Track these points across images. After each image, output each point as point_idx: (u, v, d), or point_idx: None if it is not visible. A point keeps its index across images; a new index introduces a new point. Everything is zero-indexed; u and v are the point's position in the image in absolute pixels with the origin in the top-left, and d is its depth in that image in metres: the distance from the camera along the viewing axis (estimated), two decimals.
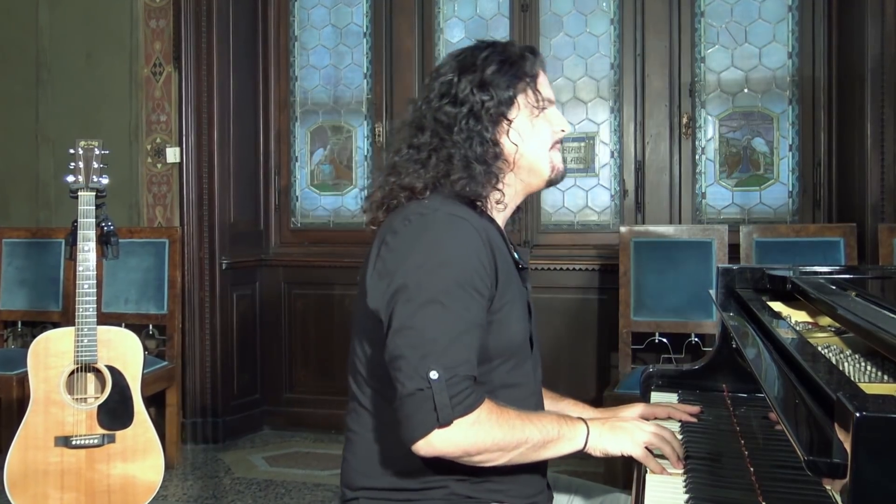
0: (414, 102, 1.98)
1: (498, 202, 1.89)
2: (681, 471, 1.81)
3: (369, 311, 1.77)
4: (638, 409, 2.15)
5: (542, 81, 1.94)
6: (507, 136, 1.88)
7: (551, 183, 1.97)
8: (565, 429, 1.79)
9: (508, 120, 1.88)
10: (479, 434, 1.68)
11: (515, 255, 1.95)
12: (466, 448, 1.68)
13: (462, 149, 1.83)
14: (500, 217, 1.94)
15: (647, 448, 1.83)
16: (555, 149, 1.95)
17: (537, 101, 1.91)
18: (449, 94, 1.88)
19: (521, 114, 1.90)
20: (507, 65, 1.89)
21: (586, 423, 1.83)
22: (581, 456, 1.83)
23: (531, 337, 1.93)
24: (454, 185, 1.82)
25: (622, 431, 1.85)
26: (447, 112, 1.86)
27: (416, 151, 1.88)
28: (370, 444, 1.86)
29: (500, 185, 1.88)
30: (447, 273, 1.70)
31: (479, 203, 1.86)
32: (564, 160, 2.01)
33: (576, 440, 1.80)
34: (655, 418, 2.09)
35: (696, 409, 2.16)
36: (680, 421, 2.12)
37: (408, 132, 1.93)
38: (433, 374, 1.63)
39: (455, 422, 1.64)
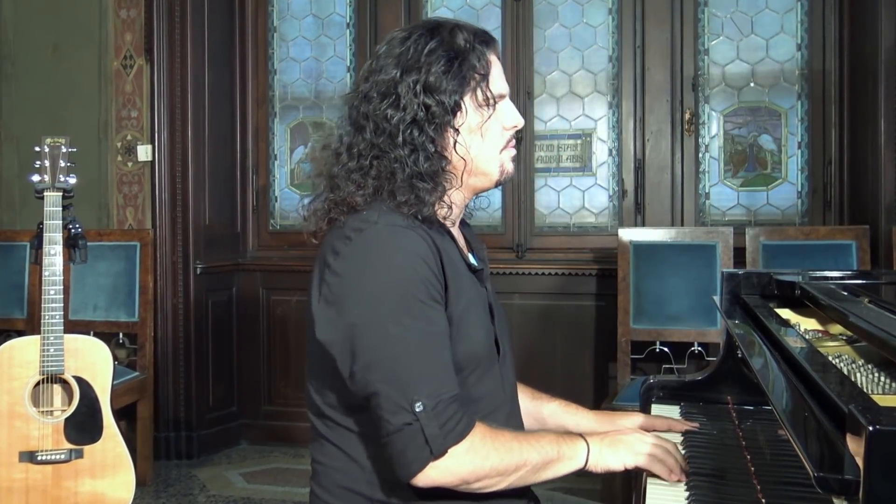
0: (351, 94, 1.91)
1: (445, 217, 1.87)
2: (683, 483, 1.82)
3: (318, 342, 1.76)
4: (638, 419, 2.16)
5: (495, 74, 1.88)
6: (454, 148, 1.83)
7: (498, 184, 1.94)
8: (565, 448, 1.80)
9: (455, 129, 1.83)
10: (476, 461, 1.69)
11: (471, 259, 1.94)
12: (464, 476, 1.69)
13: (406, 166, 1.78)
14: (450, 221, 1.91)
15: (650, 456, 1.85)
16: (507, 148, 1.92)
17: (487, 100, 1.86)
18: (390, 95, 1.81)
19: (469, 119, 1.84)
20: (456, 63, 1.82)
21: (586, 441, 1.83)
22: (580, 474, 1.84)
23: (497, 342, 1.93)
24: (400, 207, 1.77)
25: (623, 445, 1.86)
26: (388, 116, 1.80)
27: (355, 160, 1.83)
28: (335, 476, 1.86)
29: (445, 198, 1.84)
30: (400, 290, 1.69)
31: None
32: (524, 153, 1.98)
33: (576, 459, 1.81)
34: (655, 430, 2.09)
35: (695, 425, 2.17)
36: (682, 434, 2.13)
37: (346, 129, 1.88)
38: (418, 406, 1.64)
39: (449, 451, 1.66)
